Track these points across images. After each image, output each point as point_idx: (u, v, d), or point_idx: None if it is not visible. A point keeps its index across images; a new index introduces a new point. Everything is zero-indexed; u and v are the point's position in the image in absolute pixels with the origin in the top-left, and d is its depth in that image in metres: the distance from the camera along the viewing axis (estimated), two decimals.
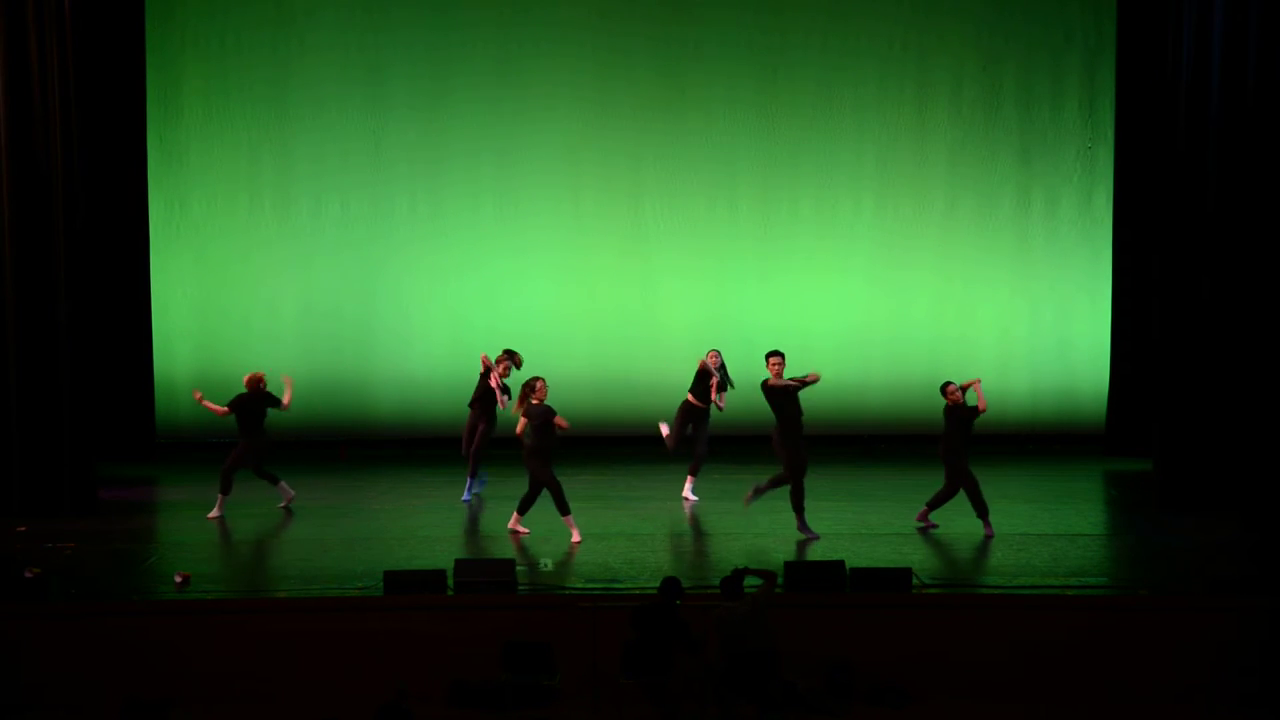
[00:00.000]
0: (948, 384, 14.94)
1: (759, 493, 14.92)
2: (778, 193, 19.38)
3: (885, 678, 12.18)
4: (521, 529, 14.74)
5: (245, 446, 15.70)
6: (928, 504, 14.99)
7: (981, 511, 14.71)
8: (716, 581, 12.10)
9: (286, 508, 15.96)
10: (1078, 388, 19.60)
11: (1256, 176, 15.59)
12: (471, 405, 16.44)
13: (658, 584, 11.89)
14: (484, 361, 16.22)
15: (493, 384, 16.10)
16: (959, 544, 14.45)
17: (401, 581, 12.83)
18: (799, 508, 14.66)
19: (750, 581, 11.84)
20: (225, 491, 15.67)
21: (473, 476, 16.46)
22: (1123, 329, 19.15)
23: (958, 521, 15.24)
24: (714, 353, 16.29)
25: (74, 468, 15.91)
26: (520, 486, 14.82)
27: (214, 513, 15.66)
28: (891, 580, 12.91)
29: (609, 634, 11.80)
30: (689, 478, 16.37)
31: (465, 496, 16.41)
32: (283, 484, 16.00)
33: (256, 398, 15.71)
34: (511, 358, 16.30)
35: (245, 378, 15.81)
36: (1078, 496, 16.90)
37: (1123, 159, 19.03)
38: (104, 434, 17.69)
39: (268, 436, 15.90)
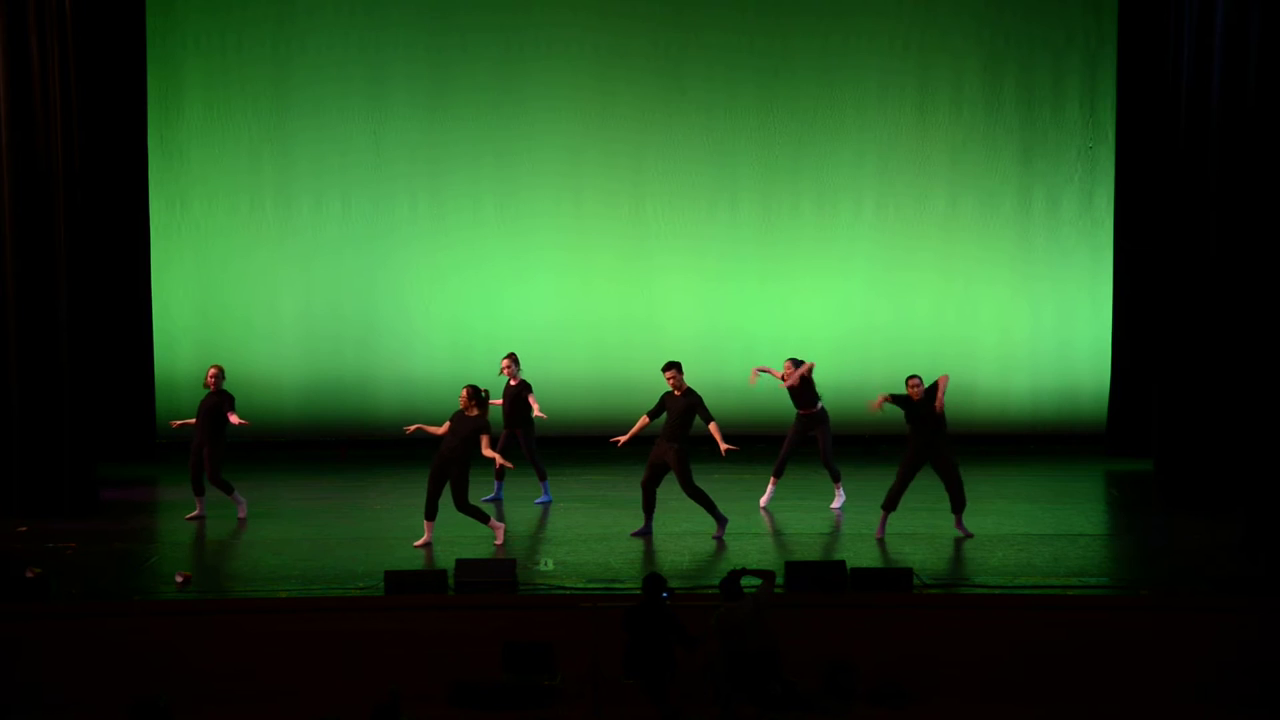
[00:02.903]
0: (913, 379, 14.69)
1: None
2: (779, 193, 19.37)
3: (886, 678, 12.17)
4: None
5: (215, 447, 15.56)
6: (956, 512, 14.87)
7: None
8: (716, 582, 12.09)
9: (199, 517, 15.71)
10: (1079, 387, 19.59)
11: (1257, 176, 15.57)
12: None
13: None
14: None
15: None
16: (959, 544, 14.44)
17: (402, 581, 12.85)
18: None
19: (749, 581, 11.83)
20: (229, 491, 15.63)
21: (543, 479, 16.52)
22: (1124, 329, 19.13)
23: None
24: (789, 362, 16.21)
25: (74, 468, 15.91)
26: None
27: (241, 513, 15.63)
28: (892, 580, 12.91)
29: (609, 634, 11.79)
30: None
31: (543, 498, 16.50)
32: (203, 500, 15.72)
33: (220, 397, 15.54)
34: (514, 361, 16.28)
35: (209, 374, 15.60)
36: (1079, 496, 16.89)
37: (1124, 159, 19.00)
38: (104, 434, 17.68)
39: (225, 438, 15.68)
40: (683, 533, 15.05)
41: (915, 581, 12.93)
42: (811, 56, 19.23)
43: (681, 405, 14.66)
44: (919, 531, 14.88)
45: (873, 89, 19.25)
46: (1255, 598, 12.51)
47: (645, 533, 14.78)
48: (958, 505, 14.62)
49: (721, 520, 14.73)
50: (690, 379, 16.46)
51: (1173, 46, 16.24)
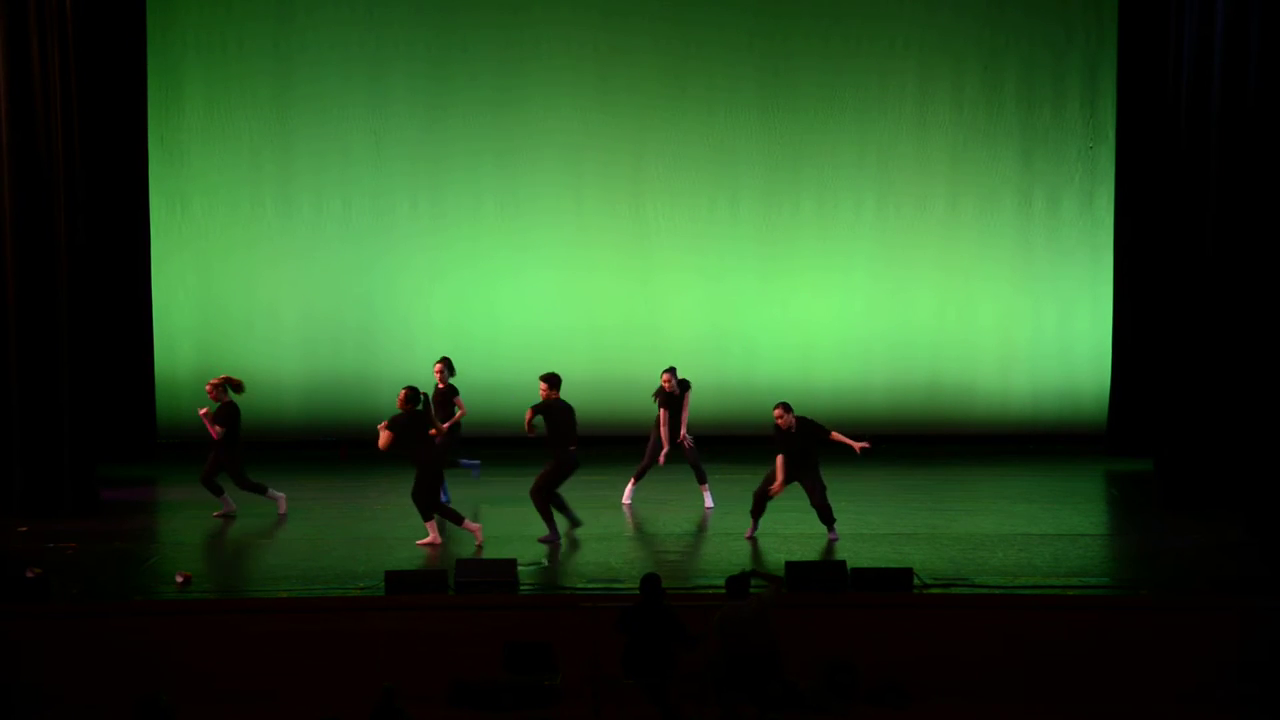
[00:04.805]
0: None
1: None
2: (779, 192, 19.37)
3: (886, 678, 12.17)
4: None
5: (221, 453, 15.58)
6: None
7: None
8: (715, 582, 12.09)
9: (284, 515, 15.72)
10: (1079, 387, 19.59)
11: (1258, 176, 15.57)
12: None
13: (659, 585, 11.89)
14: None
15: None
16: (959, 544, 14.44)
17: (402, 581, 12.84)
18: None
19: (756, 583, 11.82)
20: (218, 493, 15.68)
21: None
22: (1124, 329, 19.13)
23: (959, 521, 15.24)
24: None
25: (75, 468, 15.91)
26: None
27: (223, 510, 15.70)
28: (893, 580, 12.90)
29: (609, 634, 11.79)
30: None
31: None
32: (271, 490, 15.74)
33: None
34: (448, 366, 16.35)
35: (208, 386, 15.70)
36: (1079, 496, 16.88)
37: (1124, 159, 19.00)
38: (105, 434, 17.68)
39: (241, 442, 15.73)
40: (682, 533, 15.05)
41: (915, 581, 12.93)
42: (812, 56, 19.22)
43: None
44: (919, 531, 14.88)
45: (873, 89, 19.25)
46: (1255, 598, 12.51)
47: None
48: (826, 519, 14.53)
49: (554, 531, 14.65)
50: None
51: (1173, 46, 16.24)
